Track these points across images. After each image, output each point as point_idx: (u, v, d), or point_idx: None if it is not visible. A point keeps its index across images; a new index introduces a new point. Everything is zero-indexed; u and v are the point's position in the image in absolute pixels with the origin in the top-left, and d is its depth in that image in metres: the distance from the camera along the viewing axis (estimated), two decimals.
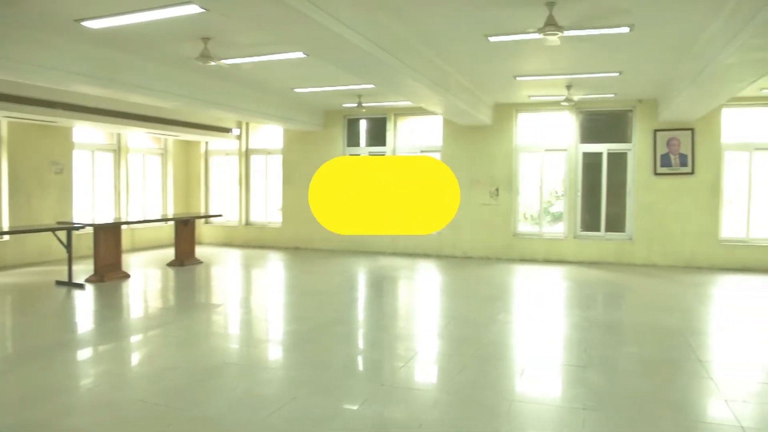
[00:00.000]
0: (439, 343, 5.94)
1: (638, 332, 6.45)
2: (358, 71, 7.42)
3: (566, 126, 11.82)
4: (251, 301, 8.30)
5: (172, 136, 13.20)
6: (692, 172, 11.04)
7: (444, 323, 6.77)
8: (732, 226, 11.19)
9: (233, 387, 4.51)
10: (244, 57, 7.86)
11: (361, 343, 6.07)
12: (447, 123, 12.22)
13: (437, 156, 12.55)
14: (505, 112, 11.99)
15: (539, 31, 5.71)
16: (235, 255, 12.67)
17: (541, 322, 6.75)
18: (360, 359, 5.50)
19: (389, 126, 12.90)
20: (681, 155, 11.09)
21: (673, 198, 11.14)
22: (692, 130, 11.00)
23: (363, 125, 13.43)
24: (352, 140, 13.42)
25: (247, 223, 14.37)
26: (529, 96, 10.97)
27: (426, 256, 12.42)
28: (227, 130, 13.66)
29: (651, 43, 7.18)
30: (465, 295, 8.62)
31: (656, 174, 11.22)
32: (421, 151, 12.76)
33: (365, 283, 10.02)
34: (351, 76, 7.97)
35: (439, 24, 6.62)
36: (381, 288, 9.58)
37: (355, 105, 11.53)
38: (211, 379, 4.66)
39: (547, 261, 11.72)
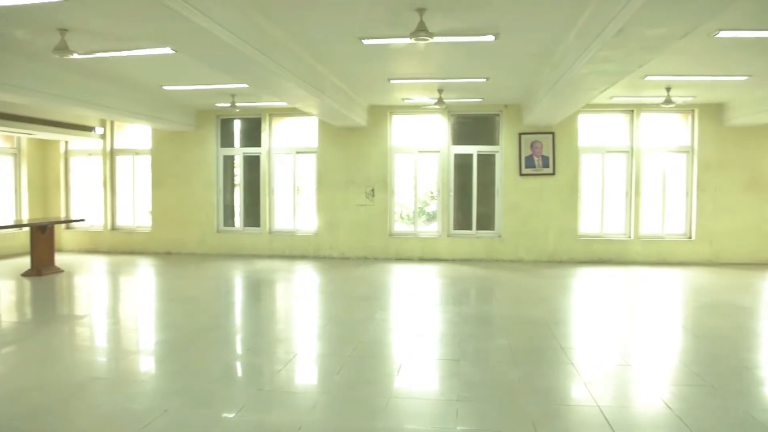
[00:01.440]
0: (317, 344, 5.93)
1: (507, 324, 6.81)
2: (230, 70, 7.24)
3: (439, 128, 12.24)
4: (119, 311, 7.83)
5: (26, 135, 12.17)
6: (553, 173, 11.84)
7: (322, 324, 6.76)
8: (588, 222, 12.13)
9: (100, 403, 4.24)
10: (106, 51, 7.41)
11: (238, 349, 5.93)
12: (322, 124, 12.24)
13: (313, 157, 12.55)
14: (380, 113, 12.21)
15: (410, 35, 5.87)
16: (100, 262, 11.92)
17: (417, 319, 6.95)
18: (237, 365, 5.36)
19: (264, 126, 12.70)
20: (543, 157, 11.85)
21: (537, 197, 11.88)
22: (553, 133, 11.80)
23: (237, 125, 13.12)
24: (226, 141, 13.07)
25: (114, 228, 13.56)
26: (403, 98, 11.25)
27: (303, 257, 12.37)
28: (89, 129, 12.81)
29: (514, 52, 7.60)
30: (343, 296, 8.67)
31: (521, 175, 11.91)
32: (297, 153, 12.69)
33: (241, 286, 9.80)
34: (223, 75, 7.76)
35: (314, 25, 6.62)
36: (258, 291, 9.42)
37: (229, 105, 11.23)
38: (75, 396, 4.35)
39: (423, 259, 12.07)
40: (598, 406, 4.12)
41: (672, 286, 9.65)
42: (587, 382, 4.65)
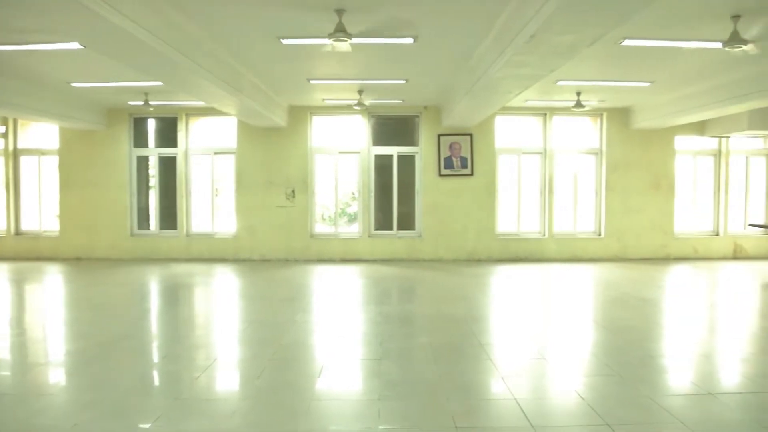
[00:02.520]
0: (237, 348, 5.82)
1: (428, 323, 6.92)
2: (144, 68, 7.00)
3: (359, 129, 12.28)
4: (24, 321, 7.39)
5: None
6: (472, 174, 12.12)
7: (242, 328, 6.65)
8: (506, 221, 12.50)
9: (3, 420, 3.98)
10: (7, 44, 6.98)
11: (155, 357, 5.72)
12: (241, 124, 12.02)
13: (232, 158, 12.30)
14: (300, 114, 12.12)
15: (329, 36, 5.86)
16: (2, 269, 11.20)
17: (338, 320, 6.94)
18: (153, 374, 5.17)
19: (180, 126, 12.34)
20: (462, 158, 12.11)
21: (456, 197, 12.14)
22: (471, 135, 12.08)
23: (151, 125, 12.68)
24: (140, 141, 12.60)
25: (18, 233, 12.79)
26: (323, 99, 11.21)
27: (222, 260, 12.10)
28: None
29: (433, 54, 7.73)
30: (263, 298, 8.54)
31: (440, 175, 12.13)
32: (215, 153, 12.41)
33: (158, 292, 9.47)
34: (137, 72, 7.48)
35: (232, 24, 6.50)
36: (175, 296, 9.13)
37: (142, 103, 10.83)
38: None
39: (344, 260, 12.07)
40: (515, 399, 4.26)
41: (583, 281, 10.10)
42: (505, 377, 4.79)
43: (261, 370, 4.96)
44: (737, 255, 12.60)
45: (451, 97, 10.26)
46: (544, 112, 12.22)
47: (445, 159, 12.12)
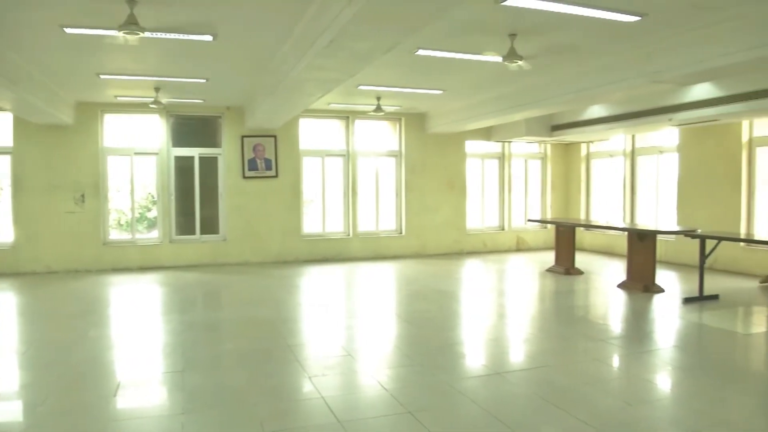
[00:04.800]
0: (17, 374, 5.18)
1: (234, 328, 6.77)
2: None
3: (157, 129, 11.60)
4: None
5: None
6: (276, 176, 12.08)
7: (22, 350, 5.92)
8: (312, 222, 12.64)
9: None
10: None
11: None
12: (19, 120, 10.68)
13: (7, 158, 10.91)
14: (90, 111, 11.12)
15: (120, 28, 5.45)
16: None
17: (137, 333, 6.49)
18: None
19: None
20: (266, 160, 12.02)
21: (261, 199, 12.01)
22: (275, 137, 12.03)
23: None
24: None
25: None
26: (116, 96, 10.41)
27: None
28: None
29: (234, 54, 7.55)
30: (48, 315, 7.68)
31: (245, 177, 11.92)
32: None
33: None
34: None
35: (2, 4, 5.75)
36: None
37: None
38: None
39: (143, 268, 11.31)
40: (323, 397, 4.32)
41: (386, 278, 10.57)
42: (312, 376, 4.84)
43: (45, 396, 4.46)
44: (520, 247, 14.04)
45: (255, 98, 10.12)
46: (347, 116, 12.56)
47: (249, 161, 11.94)
